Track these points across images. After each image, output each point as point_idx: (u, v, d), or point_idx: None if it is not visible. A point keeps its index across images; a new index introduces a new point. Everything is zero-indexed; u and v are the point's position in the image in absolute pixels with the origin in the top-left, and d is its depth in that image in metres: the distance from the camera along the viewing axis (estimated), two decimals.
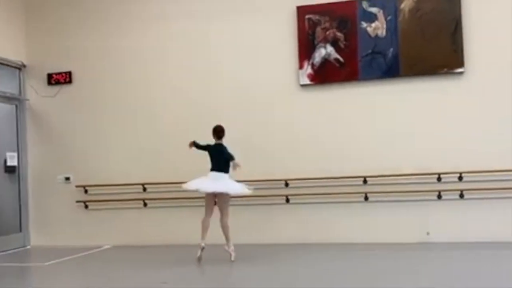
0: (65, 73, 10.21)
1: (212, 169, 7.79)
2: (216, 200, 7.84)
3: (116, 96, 10.05)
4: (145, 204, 9.82)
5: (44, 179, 10.25)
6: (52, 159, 10.27)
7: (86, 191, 10.08)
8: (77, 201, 10.07)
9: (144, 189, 9.81)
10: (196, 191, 7.84)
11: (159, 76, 9.84)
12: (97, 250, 9.51)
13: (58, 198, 10.15)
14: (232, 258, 7.70)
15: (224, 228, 7.78)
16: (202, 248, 7.63)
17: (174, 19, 9.82)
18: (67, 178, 10.18)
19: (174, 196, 9.58)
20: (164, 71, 9.83)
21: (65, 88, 10.25)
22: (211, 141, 8.02)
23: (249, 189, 7.87)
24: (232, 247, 7.76)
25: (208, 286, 6.94)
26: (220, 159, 7.76)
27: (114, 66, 10.05)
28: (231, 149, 7.86)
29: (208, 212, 7.88)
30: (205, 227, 7.77)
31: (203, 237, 7.74)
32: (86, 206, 10.06)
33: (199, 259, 7.63)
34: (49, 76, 10.27)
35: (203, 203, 9.41)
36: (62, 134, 10.27)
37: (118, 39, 10.04)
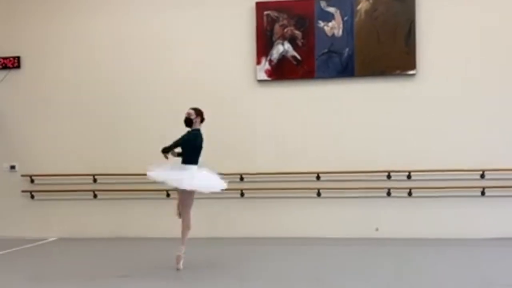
0: (14, 57, 9.83)
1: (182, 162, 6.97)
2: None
3: (66, 83, 9.76)
4: (95, 196, 9.60)
5: None
6: None
7: (32, 181, 9.74)
8: (23, 191, 9.73)
9: (95, 180, 9.59)
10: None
11: (112, 65, 9.64)
12: (43, 242, 9.24)
13: (2, 188, 9.78)
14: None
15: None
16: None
17: (130, 8, 9.66)
18: (13, 167, 9.82)
19: (125, 188, 9.45)
20: (117, 61, 9.63)
21: (13, 73, 9.87)
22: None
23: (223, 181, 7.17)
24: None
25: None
26: (187, 149, 6.97)
27: (65, 53, 9.77)
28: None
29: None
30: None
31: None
32: (32, 196, 9.73)
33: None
34: None
35: (155, 196, 9.37)
36: (8, 120, 9.89)
37: (70, 26, 9.76)
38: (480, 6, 8.88)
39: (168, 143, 6.89)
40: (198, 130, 7.05)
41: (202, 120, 7.11)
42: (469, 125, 8.84)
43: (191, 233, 7.05)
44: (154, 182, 9.18)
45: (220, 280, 6.52)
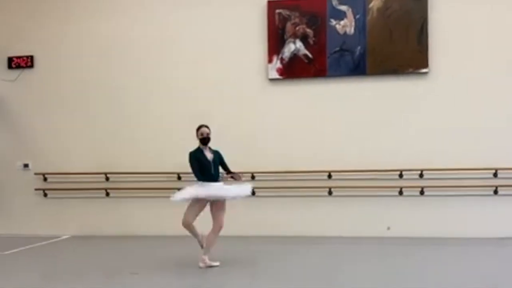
0: (27, 57, 9.90)
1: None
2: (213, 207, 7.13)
3: (78, 82, 9.82)
4: (107, 194, 9.65)
5: (2, 165, 9.94)
6: (10, 145, 9.99)
7: (45, 179, 9.82)
8: (36, 189, 9.81)
9: (107, 179, 9.64)
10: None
11: (123, 64, 9.69)
12: (56, 240, 9.31)
13: (16, 186, 9.87)
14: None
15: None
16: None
17: (142, 8, 9.70)
18: (26, 165, 9.90)
19: (137, 186, 9.49)
20: (129, 59, 9.68)
21: (26, 73, 9.95)
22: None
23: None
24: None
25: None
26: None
27: (78, 52, 9.82)
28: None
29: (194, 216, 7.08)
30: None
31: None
32: (45, 195, 9.81)
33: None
34: (10, 59, 9.95)
35: (168, 194, 9.34)
36: (21, 119, 9.98)
37: (83, 26, 9.80)
38: (493, 4, 8.79)
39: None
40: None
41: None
42: (482, 123, 8.76)
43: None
44: (167, 180, 9.38)
45: (231, 278, 6.55)
